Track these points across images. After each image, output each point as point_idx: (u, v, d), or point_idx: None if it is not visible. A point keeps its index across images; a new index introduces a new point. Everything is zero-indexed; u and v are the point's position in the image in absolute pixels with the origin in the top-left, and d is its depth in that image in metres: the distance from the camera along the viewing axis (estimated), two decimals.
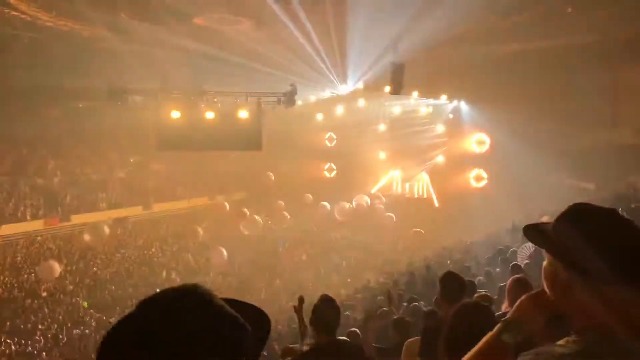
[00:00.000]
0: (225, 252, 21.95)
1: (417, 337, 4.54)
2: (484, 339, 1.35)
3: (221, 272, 23.30)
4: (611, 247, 1.16)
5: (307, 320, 3.75)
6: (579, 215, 1.25)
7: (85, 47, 23.63)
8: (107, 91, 17.90)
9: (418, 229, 25.53)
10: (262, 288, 21.87)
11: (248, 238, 26.79)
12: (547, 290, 1.29)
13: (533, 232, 1.33)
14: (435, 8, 19.25)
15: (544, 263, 1.30)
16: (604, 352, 1.15)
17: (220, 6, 19.62)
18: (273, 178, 30.41)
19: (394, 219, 26.39)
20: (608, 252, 1.15)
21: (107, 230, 21.87)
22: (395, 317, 5.94)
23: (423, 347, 3.67)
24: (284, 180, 32.24)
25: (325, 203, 27.92)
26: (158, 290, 0.98)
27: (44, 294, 20.11)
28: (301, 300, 4.30)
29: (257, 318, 1.06)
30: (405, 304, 8.19)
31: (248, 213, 25.81)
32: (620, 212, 1.25)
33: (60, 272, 22.36)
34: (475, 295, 4.96)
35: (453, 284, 3.65)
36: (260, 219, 25.91)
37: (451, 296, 3.58)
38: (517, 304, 1.37)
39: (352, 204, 28.17)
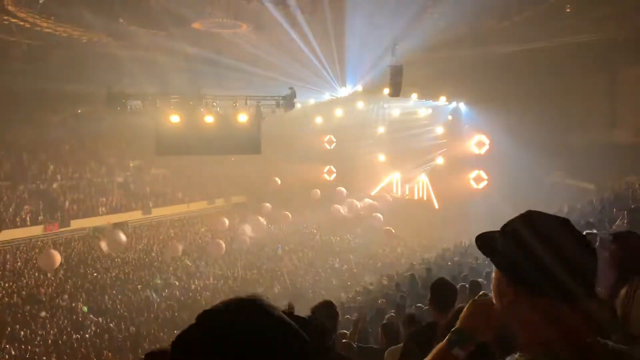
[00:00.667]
0: (223, 245, 22.11)
1: (399, 345, 4.47)
2: (435, 349, 1.32)
3: (221, 277, 23.27)
4: (554, 261, 1.10)
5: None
6: (525, 226, 1.18)
7: (84, 53, 23.70)
8: (106, 96, 17.90)
9: (389, 228, 25.58)
10: (262, 292, 21.82)
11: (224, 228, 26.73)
12: (494, 300, 1.23)
13: (485, 241, 1.26)
14: (434, 11, 19.32)
15: (492, 275, 1.25)
16: None
17: (219, 11, 19.65)
18: (279, 182, 30.47)
19: (382, 219, 26.42)
20: (551, 266, 1.10)
21: (123, 237, 21.54)
22: (385, 322, 5.94)
23: (405, 353, 3.62)
24: (283, 183, 32.24)
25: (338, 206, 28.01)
26: (220, 300, 0.97)
27: (44, 299, 20.12)
28: (291, 307, 4.21)
29: (314, 330, 1.06)
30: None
31: (227, 222, 26.04)
32: (570, 222, 1.19)
33: (60, 276, 22.42)
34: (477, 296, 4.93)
35: (443, 292, 3.58)
36: (264, 220, 26.01)
37: (441, 304, 3.51)
38: (465, 311, 1.32)
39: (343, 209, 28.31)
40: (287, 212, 27.04)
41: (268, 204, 28.62)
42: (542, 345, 1.12)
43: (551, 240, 1.13)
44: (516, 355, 1.15)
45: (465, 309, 1.32)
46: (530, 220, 1.19)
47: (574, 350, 1.10)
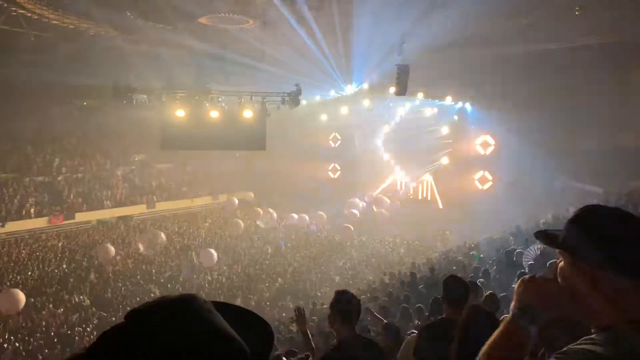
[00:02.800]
0: (215, 254, 21.88)
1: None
2: (499, 328, 1.29)
3: (224, 273, 23.29)
4: (631, 241, 1.20)
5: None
6: (595, 214, 1.28)
7: (90, 46, 23.72)
8: (112, 90, 17.94)
9: (348, 225, 25.61)
10: (265, 288, 21.83)
11: (250, 238, 26.86)
12: (565, 291, 1.27)
13: (545, 236, 1.35)
14: (442, 10, 19.20)
15: (560, 265, 1.30)
16: None
17: (226, 6, 19.61)
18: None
19: (352, 229, 26.36)
20: (630, 247, 1.19)
21: (163, 238, 21.37)
22: (386, 321, 5.99)
23: (418, 348, 3.64)
24: (288, 180, 32.25)
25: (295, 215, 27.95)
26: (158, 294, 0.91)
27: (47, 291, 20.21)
28: (299, 312, 4.12)
29: (259, 330, 1.00)
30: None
31: (242, 225, 26.10)
32: (624, 211, 1.28)
33: (64, 269, 22.52)
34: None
35: (456, 287, 3.63)
36: (275, 213, 26.15)
37: (454, 299, 3.57)
38: (522, 289, 1.30)
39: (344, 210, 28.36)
40: (321, 212, 27.01)
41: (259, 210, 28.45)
42: (630, 324, 1.18)
43: (620, 225, 1.24)
44: (599, 337, 1.19)
45: (519, 287, 1.31)
46: (595, 210, 1.31)
47: None
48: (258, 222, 26.17)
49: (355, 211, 28.47)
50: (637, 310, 1.18)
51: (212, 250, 22.14)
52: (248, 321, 0.99)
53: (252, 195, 34.19)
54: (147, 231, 23.12)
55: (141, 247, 21.52)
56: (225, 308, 0.94)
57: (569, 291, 1.26)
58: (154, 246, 21.27)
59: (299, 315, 4.12)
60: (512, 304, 1.31)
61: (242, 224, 25.80)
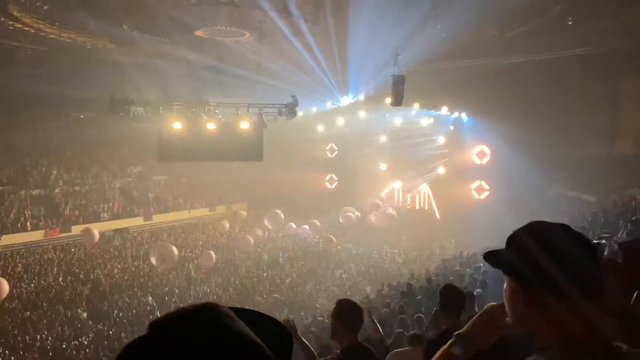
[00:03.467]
0: (214, 255, 22.10)
1: (402, 349, 4.69)
2: (438, 352, 1.38)
3: (221, 285, 23.19)
4: (565, 263, 1.16)
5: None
6: (528, 232, 1.25)
7: (87, 59, 23.85)
8: (109, 102, 17.98)
9: (330, 236, 25.68)
10: (262, 300, 21.74)
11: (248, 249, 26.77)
12: (507, 310, 1.28)
13: (491, 255, 1.32)
14: (436, 21, 19.41)
15: (504, 285, 1.30)
16: None
17: (222, 19, 19.77)
18: (245, 215, 31.11)
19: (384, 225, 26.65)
20: (562, 268, 1.16)
21: (176, 252, 21.33)
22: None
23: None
24: (285, 191, 32.23)
25: (292, 224, 28.00)
26: (174, 306, 0.91)
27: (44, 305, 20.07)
28: (289, 324, 4.08)
29: (278, 333, 0.99)
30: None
31: (252, 241, 26.19)
32: (571, 228, 1.26)
33: (60, 282, 22.38)
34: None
35: (453, 297, 3.65)
36: (282, 214, 26.23)
37: (451, 309, 3.60)
38: (473, 319, 1.38)
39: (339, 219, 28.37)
40: (331, 236, 27.09)
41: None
42: (560, 344, 1.17)
43: (554, 243, 1.19)
44: (535, 357, 1.20)
45: (473, 318, 1.38)
46: (533, 227, 1.26)
47: (589, 349, 1.14)
48: (265, 222, 26.30)
49: (352, 215, 28.37)
50: (569, 331, 1.16)
51: (211, 252, 22.53)
52: (267, 325, 0.99)
53: (246, 206, 34.25)
54: (158, 245, 23.01)
55: (154, 261, 21.37)
56: (244, 313, 0.94)
57: (518, 319, 1.25)
58: (167, 260, 21.13)
59: (290, 328, 4.10)
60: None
61: (252, 240, 25.74)
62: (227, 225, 28.89)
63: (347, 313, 3.36)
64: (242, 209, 34.06)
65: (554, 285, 1.15)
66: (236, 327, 0.85)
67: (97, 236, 23.01)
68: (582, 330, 1.16)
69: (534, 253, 1.19)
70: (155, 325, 0.84)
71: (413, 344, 4.81)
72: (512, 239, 1.27)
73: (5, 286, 16.32)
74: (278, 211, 26.27)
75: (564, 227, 1.25)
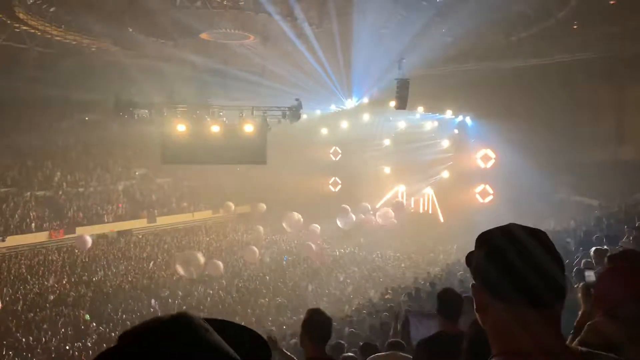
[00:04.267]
0: (257, 250, 22.92)
1: (380, 354, 4.69)
2: None
3: (225, 287, 23.17)
4: (525, 269, 1.12)
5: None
6: (496, 237, 1.21)
7: (92, 61, 23.93)
8: (113, 104, 18.05)
9: (310, 243, 25.38)
10: (265, 303, 21.71)
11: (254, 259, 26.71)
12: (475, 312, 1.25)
13: (468, 255, 1.29)
14: (441, 25, 19.39)
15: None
16: None
17: (227, 22, 19.81)
18: (265, 208, 30.96)
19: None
20: (519, 274, 1.12)
21: (202, 259, 21.15)
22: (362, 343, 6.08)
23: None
24: (289, 194, 32.21)
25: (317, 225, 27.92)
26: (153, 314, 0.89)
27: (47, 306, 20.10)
28: (272, 340, 4.08)
29: (256, 347, 0.98)
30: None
31: (258, 252, 26.18)
32: (544, 234, 1.20)
33: (64, 284, 22.42)
34: None
35: (450, 300, 3.64)
36: (300, 216, 26.27)
37: (448, 312, 3.58)
38: None
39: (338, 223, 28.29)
40: (316, 225, 27.00)
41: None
42: (513, 354, 1.13)
43: (520, 250, 1.15)
44: None
45: None
46: (502, 231, 1.22)
47: (545, 358, 1.11)
48: (284, 225, 26.38)
49: (348, 218, 28.28)
50: (520, 340, 1.13)
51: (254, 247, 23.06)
52: (244, 337, 0.97)
53: (249, 209, 34.17)
54: (184, 253, 22.88)
55: (180, 270, 21.07)
56: (220, 325, 0.92)
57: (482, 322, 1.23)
58: (194, 268, 20.89)
59: (270, 343, 4.08)
60: None
61: (258, 252, 25.62)
62: (261, 230, 28.59)
63: (313, 325, 3.30)
64: (246, 211, 34.05)
65: (507, 292, 1.13)
66: (209, 340, 0.83)
67: (89, 242, 23.11)
68: (539, 337, 1.11)
69: (493, 256, 1.17)
70: (125, 336, 0.82)
71: (393, 348, 4.85)
72: (479, 239, 1.25)
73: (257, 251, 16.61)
74: (295, 213, 26.31)
75: (537, 233, 1.20)
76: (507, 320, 1.14)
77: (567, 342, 2.61)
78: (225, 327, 0.93)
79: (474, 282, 1.23)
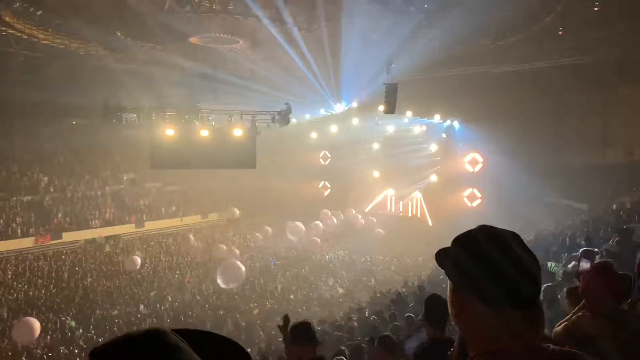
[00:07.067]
0: (139, 260, 22.58)
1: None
2: None
3: (214, 292, 23.03)
4: (501, 270, 1.12)
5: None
6: (473, 237, 1.21)
7: (80, 65, 23.73)
8: (102, 109, 17.91)
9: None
10: (254, 308, 21.60)
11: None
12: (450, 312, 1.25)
13: (439, 253, 1.29)
14: (429, 30, 19.55)
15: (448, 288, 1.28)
16: None
17: (216, 26, 19.79)
18: (237, 213, 30.36)
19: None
20: (497, 275, 1.12)
21: (224, 248, 20.44)
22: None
23: None
24: (278, 198, 32.18)
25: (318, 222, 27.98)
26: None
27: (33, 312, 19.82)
28: (286, 319, 4.07)
29: (235, 356, 0.96)
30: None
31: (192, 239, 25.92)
32: (518, 236, 1.22)
33: (51, 289, 22.13)
34: None
35: (436, 307, 3.62)
36: (301, 225, 26.17)
37: (434, 319, 3.59)
38: None
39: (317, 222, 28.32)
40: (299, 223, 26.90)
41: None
42: (489, 354, 1.14)
43: (497, 250, 1.15)
44: None
45: None
46: (479, 230, 1.22)
47: (522, 357, 1.11)
48: (288, 235, 26.35)
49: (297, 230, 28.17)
50: (497, 340, 1.13)
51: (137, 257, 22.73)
52: (224, 349, 0.95)
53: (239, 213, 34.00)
54: (226, 264, 22.49)
55: (220, 282, 20.37)
56: (199, 337, 0.90)
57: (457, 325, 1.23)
58: (235, 279, 20.61)
59: (285, 322, 4.04)
60: None
61: (225, 247, 25.52)
62: (192, 239, 28.43)
63: (298, 332, 3.42)
64: (234, 216, 33.90)
65: (484, 292, 1.12)
66: (179, 357, 0.80)
67: (139, 263, 23.15)
68: (508, 339, 1.12)
69: (469, 257, 1.16)
70: (95, 354, 0.80)
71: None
72: (454, 241, 1.24)
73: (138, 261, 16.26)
74: (297, 223, 26.30)
75: (512, 235, 1.20)
76: (488, 321, 1.13)
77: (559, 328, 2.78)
78: (204, 339, 0.91)
79: (450, 284, 1.22)
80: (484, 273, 1.13)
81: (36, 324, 15.45)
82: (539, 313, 1.17)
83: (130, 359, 0.78)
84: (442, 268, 1.26)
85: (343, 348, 6.61)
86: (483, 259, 1.14)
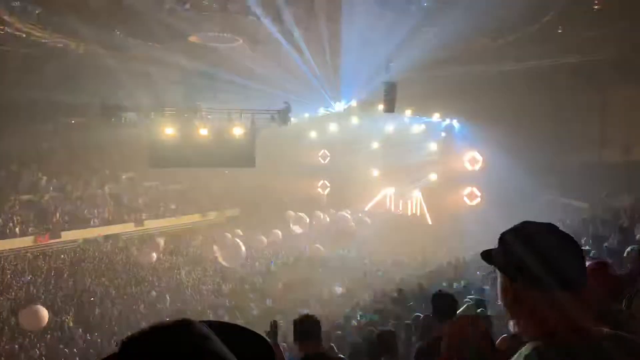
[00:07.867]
0: (154, 254, 22.41)
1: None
2: None
3: (213, 292, 23.07)
4: (547, 257, 1.26)
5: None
6: (518, 233, 1.35)
7: (79, 64, 23.65)
8: (100, 108, 17.89)
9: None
10: (254, 306, 21.62)
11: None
12: (500, 302, 1.38)
13: (485, 252, 1.44)
14: (428, 28, 19.53)
15: (498, 280, 1.40)
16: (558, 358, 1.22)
17: (216, 25, 19.76)
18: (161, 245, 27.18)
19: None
20: (548, 261, 1.25)
21: (243, 249, 20.22)
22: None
23: None
24: (278, 197, 32.18)
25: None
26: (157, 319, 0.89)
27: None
28: (274, 326, 4.06)
29: (258, 347, 0.97)
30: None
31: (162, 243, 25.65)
32: (556, 226, 1.35)
33: (50, 289, 22.12)
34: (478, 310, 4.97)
35: (444, 303, 3.68)
36: (306, 216, 26.12)
37: (443, 315, 3.60)
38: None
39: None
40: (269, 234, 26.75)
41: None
42: (548, 335, 1.25)
43: (538, 239, 1.30)
44: (524, 349, 1.27)
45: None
46: (521, 226, 1.37)
47: (576, 337, 1.22)
48: (292, 227, 26.31)
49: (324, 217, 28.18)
50: (552, 323, 1.24)
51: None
52: (246, 340, 0.97)
53: (238, 212, 33.98)
54: (227, 243, 22.11)
55: (219, 256, 20.42)
56: (222, 328, 0.91)
57: (510, 312, 1.35)
58: (235, 258, 20.45)
59: (273, 328, 4.02)
60: None
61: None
62: (162, 242, 26.66)
63: (302, 323, 3.47)
64: (234, 214, 33.92)
65: (537, 278, 1.25)
66: (210, 347, 0.82)
67: (154, 257, 22.61)
68: (564, 321, 1.23)
69: (519, 249, 1.30)
70: (127, 343, 0.81)
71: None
72: (502, 237, 1.38)
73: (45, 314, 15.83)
74: (301, 214, 26.28)
75: (550, 226, 1.34)
76: (542, 305, 1.25)
77: None
78: (228, 330, 0.92)
79: (503, 277, 1.35)
80: (536, 260, 1.26)
81: (44, 312, 15.62)
82: (587, 296, 1.28)
83: (161, 349, 0.79)
84: (491, 264, 1.40)
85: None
86: (534, 248, 1.28)
